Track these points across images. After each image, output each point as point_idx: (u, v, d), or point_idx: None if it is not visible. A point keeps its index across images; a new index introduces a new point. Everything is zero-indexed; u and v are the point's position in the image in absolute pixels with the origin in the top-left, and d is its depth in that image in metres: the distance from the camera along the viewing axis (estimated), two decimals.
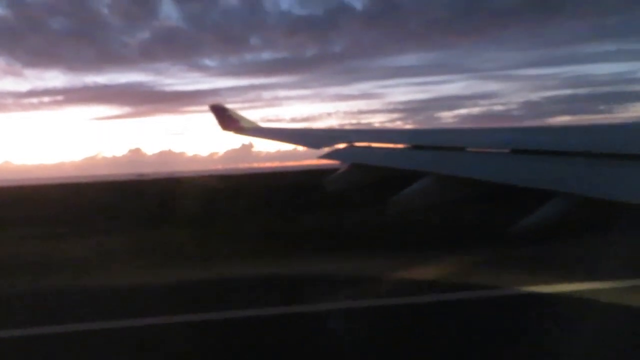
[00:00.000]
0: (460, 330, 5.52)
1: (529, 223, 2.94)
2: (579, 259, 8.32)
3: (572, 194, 2.81)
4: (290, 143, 6.38)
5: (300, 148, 6.09)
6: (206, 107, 8.84)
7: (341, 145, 5.36)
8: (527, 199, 3.30)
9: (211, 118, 8.61)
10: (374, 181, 4.75)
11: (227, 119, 8.35)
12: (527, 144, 3.75)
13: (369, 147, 5.14)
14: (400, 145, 4.74)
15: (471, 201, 4.04)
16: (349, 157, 5.07)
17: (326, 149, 5.36)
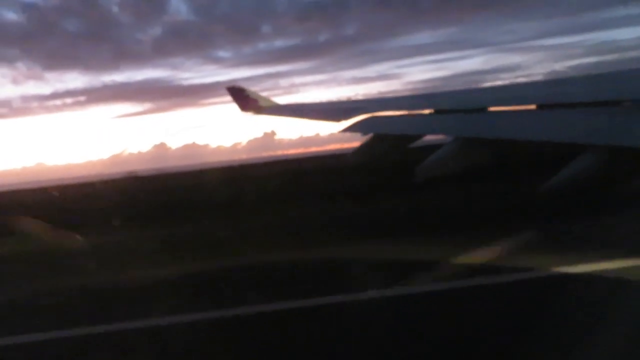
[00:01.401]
0: None
1: (558, 181, 2.81)
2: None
3: (603, 146, 2.66)
4: (310, 119, 6.29)
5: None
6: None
7: (362, 117, 5.25)
8: (557, 157, 3.16)
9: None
10: (397, 150, 4.65)
11: (246, 100, 8.29)
12: (553, 98, 3.58)
13: (390, 117, 5.02)
14: (420, 111, 4.61)
15: (498, 164, 3.91)
16: (370, 128, 4.96)
17: (347, 122, 5.26)
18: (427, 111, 4.50)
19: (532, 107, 3.62)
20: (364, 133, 4.87)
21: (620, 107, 2.93)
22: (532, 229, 8.88)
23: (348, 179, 16.99)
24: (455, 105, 4.34)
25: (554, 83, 4.45)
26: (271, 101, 8.59)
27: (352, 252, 8.83)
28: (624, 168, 2.74)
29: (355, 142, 5.19)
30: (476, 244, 7.99)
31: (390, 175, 13.66)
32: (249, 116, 8.30)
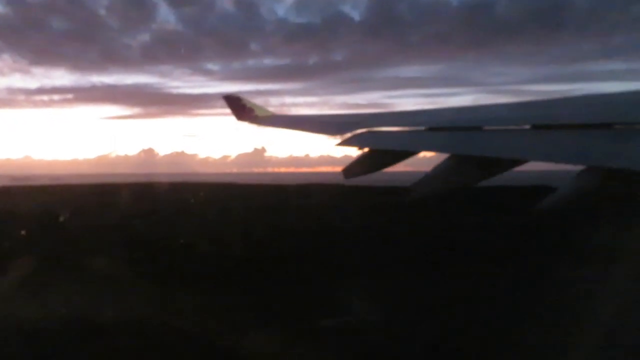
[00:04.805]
0: None
1: (552, 201, 2.84)
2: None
3: (597, 168, 2.70)
4: (306, 131, 6.29)
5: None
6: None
7: (358, 131, 5.25)
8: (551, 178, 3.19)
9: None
10: (392, 165, 4.67)
11: (242, 109, 8.25)
12: (548, 119, 3.63)
13: (387, 132, 5.05)
14: (417, 128, 4.65)
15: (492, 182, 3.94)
16: (367, 142, 4.96)
17: (343, 136, 5.26)
18: (423, 128, 4.54)
19: (527, 127, 3.67)
20: (360, 147, 4.87)
21: (612, 130, 2.99)
22: None
23: (345, 201, 16.72)
24: (452, 123, 4.38)
25: (548, 104, 4.51)
26: (267, 111, 8.54)
27: None
28: (616, 190, 2.79)
29: (344, 165, 5.14)
30: None
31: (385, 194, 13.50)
32: (244, 126, 8.26)
